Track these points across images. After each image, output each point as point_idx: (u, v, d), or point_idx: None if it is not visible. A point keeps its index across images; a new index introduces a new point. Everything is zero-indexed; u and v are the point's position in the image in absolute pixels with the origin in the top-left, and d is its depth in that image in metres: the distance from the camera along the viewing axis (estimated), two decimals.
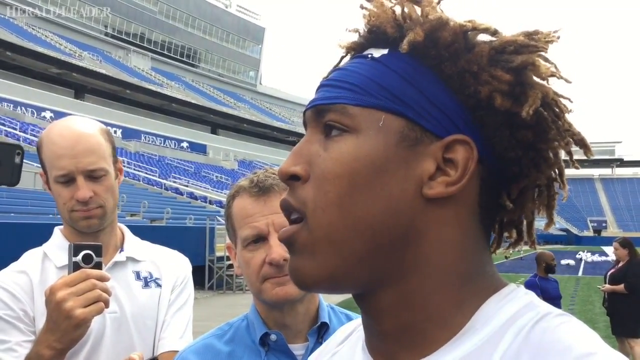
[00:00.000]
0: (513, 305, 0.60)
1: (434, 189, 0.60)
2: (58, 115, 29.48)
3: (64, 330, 1.32)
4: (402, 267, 0.61)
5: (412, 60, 0.62)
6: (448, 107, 0.61)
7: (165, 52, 60.83)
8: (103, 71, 46.89)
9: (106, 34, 55.32)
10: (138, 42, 57.67)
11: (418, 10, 0.64)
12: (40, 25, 48.48)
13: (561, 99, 0.64)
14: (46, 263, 1.58)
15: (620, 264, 7.63)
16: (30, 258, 1.60)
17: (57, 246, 1.60)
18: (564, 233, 77.69)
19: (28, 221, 12.90)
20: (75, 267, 1.37)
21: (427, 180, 0.61)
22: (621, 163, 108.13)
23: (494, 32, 0.63)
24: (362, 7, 0.67)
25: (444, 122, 0.61)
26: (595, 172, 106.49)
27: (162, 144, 44.53)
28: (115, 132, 39.34)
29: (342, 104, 0.62)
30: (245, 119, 60.07)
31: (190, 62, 64.15)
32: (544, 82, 0.62)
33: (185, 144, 47.05)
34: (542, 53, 0.62)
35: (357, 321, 0.73)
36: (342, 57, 0.70)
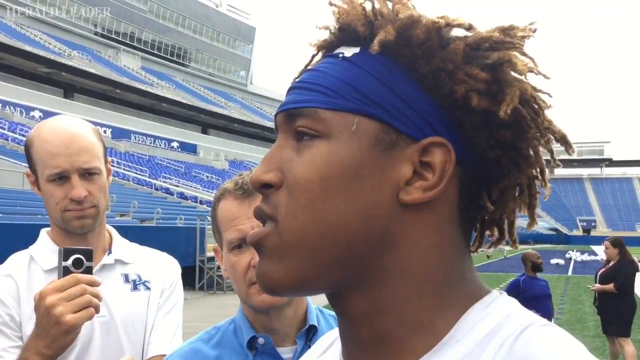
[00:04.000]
0: (496, 315, 0.58)
1: (411, 195, 0.58)
2: (47, 114, 29.30)
3: (53, 336, 1.30)
4: (378, 273, 0.59)
5: (385, 60, 0.60)
6: (423, 108, 0.59)
7: (156, 52, 60.55)
8: (93, 70, 46.61)
9: (96, 33, 54.99)
10: (128, 42, 57.36)
11: (389, 5, 0.62)
12: (29, 24, 48.12)
13: (540, 95, 0.62)
14: (32, 266, 1.56)
15: (611, 264, 7.67)
16: (16, 261, 1.57)
17: (44, 249, 1.58)
18: (554, 232, 78.06)
19: (16, 222, 12.80)
20: (65, 271, 1.35)
21: (404, 185, 0.58)
22: (610, 163, 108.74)
23: (468, 28, 0.61)
24: (331, 4, 0.64)
25: (420, 124, 0.59)
26: (585, 171, 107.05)
27: (152, 144, 44.30)
28: (105, 131, 39.16)
29: (313, 107, 0.60)
30: (236, 119, 59.94)
31: (181, 61, 63.91)
32: (522, 77, 0.60)
33: (175, 144, 46.86)
34: (519, 48, 0.60)
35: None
36: (314, 56, 0.67)
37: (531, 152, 0.62)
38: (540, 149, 0.63)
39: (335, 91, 0.60)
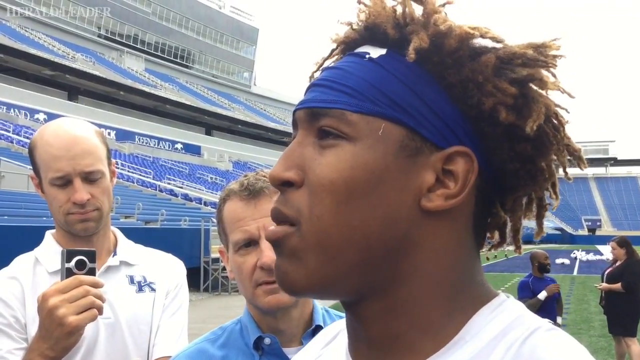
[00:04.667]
0: (503, 318, 0.59)
1: (433, 202, 0.59)
2: (51, 117, 29.40)
3: (56, 338, 1.30)
4: (395, 276, 0.60)
5: (413, 65, 0.60)
6: (449, 117, 0.59)
7: (159, 54, 60.67)
8: (96, 73, 46.76)
9: (99, 36, 55.15)
10: (131, 44, 57.50)
11: (419, 9, 0.61)
12: (33, 27, 48.28)
13: (559, 110, 0.63)
14: (38, 268, 1.56)
15: (618, 263, 7.64)
16: (22, 263, 1.57)
17: (49, 251, 1.58)
18: (559, 232, 77.98)
19: (21, 224, 12.83)
20: (68, 273, 1.35)
21: (426, 192, 0.59)
22: (615, 162, 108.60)
23: (500, 41, 0.61)
24: (359, 2, 0.64)
25: (445, 132, 0.59)
26: (589, 171, 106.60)
27: (156, 146, 44.39)
28: (109, 133, 39.27)
29: (340, 109, 0.59)
30: (239, 120, 60.04)
31: (184, 63, 64.01)
32: (544, 93, 0.61)
33: (179, 145, 46.95)
34: (552, 67, 0.60)
35: (342, 323, 0.71)
36: (333, 50, 0.67)
37: (545, 166, 0.63)
38: (554, 162, 0.63)
39: (362, 93, 0.59)
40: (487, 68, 0.59)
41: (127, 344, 1.55)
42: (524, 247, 0.67)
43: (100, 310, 1.34)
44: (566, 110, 0.63)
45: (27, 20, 47.77)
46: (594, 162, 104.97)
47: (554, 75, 0.61)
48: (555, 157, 0.63)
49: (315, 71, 0.66)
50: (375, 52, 0.61)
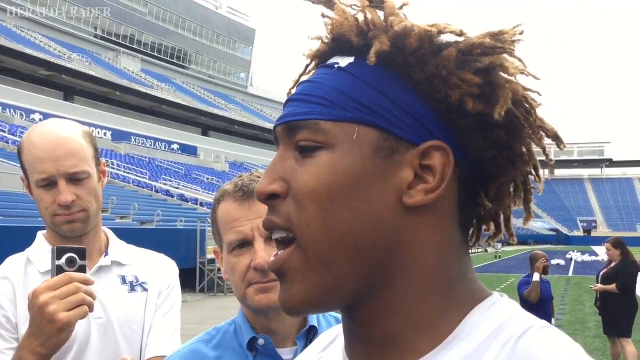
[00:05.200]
0: (497, 316, 0.60)
1: (414, 198, 0.60)
2: (47, 117, 29.23)
3: (47, 334, 1.30)
4: (387, 277, 0.61)
5: (380, 68, 0.62)
6: (420, 114, 0.61)
7: (155, 54, 60.61)
8: (92, 73, 46.68)
9: (95, 36, 55.08)
10: (128, 44, 57.44)
11: (380, 14, 0.63)
12: (29, 27, 48.19)
13: (530, 94, 0.64)
14: (29, 268, 1.56)
15: (613, 264, 7.66)
16: (13, 263, 1.57)
17: (40, 251, 1.58)
18: (554, 233, 78.21)
19: (17, 224, 12.79)
20: (59, 270, 1.35)
21: (406, 188, 0.60)
22: (610, 163, 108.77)
23: (459, 34, 0.63)
24: (323, 15, 0.66)
25: (418, 129, 0.61)
26: (585, 172, 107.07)
27: (152, 146, 44.32)
28: (105, 134, 39.27)
29: (313, 119, 0.61)
30: (236, 121, 60.03)
31: (181, 63, 63.98)
32: (512, 79, 0.63)
33: (175, 146, 46.88)
34: (510, 52, 0.62)
35: (340, 327, 0.71)
36: (307, 66, 0.69)
37: (525, 150, 0.64)
38: (533, 146, 0.65)
39: (333, 102, 0.61)
40: (449, 62, 0.61)
41: (119, 343, 1.54)
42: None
43: (90, 307, 1.33)
44: (537, 93, 0.64)
45: (24, 20, 47.70)
46: (589, 163, 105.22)
47: (519, 60, 0.62)
48: (530, 140, 0.64)
49: (292, 88, 0.68)
50: (344, 61, 0.63)
